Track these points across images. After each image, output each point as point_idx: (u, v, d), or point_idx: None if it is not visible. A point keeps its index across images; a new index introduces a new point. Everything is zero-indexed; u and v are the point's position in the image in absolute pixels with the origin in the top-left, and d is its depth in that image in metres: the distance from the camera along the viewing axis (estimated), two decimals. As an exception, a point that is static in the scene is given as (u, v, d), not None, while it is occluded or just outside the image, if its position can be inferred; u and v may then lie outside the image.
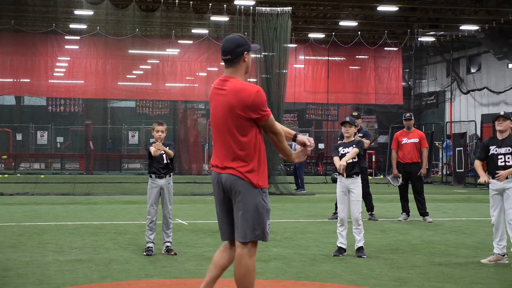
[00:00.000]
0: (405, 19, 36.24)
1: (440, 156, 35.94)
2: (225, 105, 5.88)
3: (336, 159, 10.55)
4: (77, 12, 29.50)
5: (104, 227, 13.93)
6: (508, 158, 9.68)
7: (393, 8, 31.44)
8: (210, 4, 29.32)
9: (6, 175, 32.79)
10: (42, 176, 31.87)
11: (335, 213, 14.81)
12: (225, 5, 28.94)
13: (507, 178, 9.66)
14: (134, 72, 38.92)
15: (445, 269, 9.38)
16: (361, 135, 15.01)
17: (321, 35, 37.58)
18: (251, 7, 26.43)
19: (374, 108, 42.04)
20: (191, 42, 36.40)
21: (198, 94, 37.65)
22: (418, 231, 13.72)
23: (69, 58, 37.19)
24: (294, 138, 6.19)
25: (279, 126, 6.04)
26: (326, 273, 9.03)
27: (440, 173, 35.54)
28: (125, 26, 30.24)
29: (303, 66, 40.22)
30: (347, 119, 10.82)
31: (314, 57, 39.92)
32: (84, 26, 31.87)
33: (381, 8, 31.16)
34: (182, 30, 35.91)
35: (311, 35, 37.44)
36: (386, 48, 39.87)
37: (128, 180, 30.70)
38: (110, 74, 36.83)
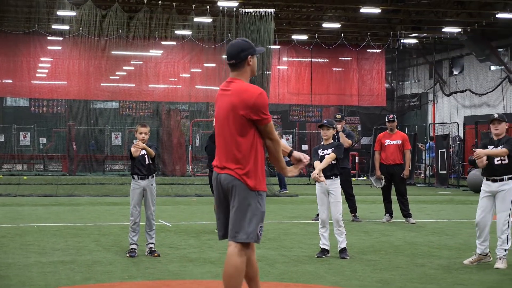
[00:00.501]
0: (388, 21, 36.39)
1: (423, 157, 36.07)
2: (228, 104, 6.00)
3: (316, 163, 10.49)
4: (59, 12, 29.36)
5: (87, 228, 13.88)
6: (504, 157, 9.69)
7: (376, 10, 31.52)
8: (193, 5, 29.29)
9: (-12, 177, 32.60)
10: (25, 177, 31.68)
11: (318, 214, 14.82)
12: (208, 7, 28.92)
13: (500, 177, 9.64)
14: (117, 73, 38.80)
15: (428, 271, 9.41)
16: (345, 135, 15.10)
17: (304, 37, 37.66)
18: (234, 9, 26.45)
19: (357, 109, 42.11)
20: (174, 43, 36.37)
21: (181, 95, 37.65)
22: (401, 232, 13.76)
23: (51, 59, 37.05)
24: (289, 154, 6.33)
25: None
26: (310, 274, 9.04)
27: (423, 174, 35.67)
28: (108, 27, 30.10)
29: (286, 67, 40.30)
30: (325, 121, 10.84)
31: (297, 59, 40.00)
32: (66, 27, 31.74)
33: (364, 10, 31.23)
34: (165, 31, 35.85)
35: (294, 37, 37.50)
36: (369, 50, 40.00)
37: (111, 181, 30.56)
38: (93, 75, 36.73)
